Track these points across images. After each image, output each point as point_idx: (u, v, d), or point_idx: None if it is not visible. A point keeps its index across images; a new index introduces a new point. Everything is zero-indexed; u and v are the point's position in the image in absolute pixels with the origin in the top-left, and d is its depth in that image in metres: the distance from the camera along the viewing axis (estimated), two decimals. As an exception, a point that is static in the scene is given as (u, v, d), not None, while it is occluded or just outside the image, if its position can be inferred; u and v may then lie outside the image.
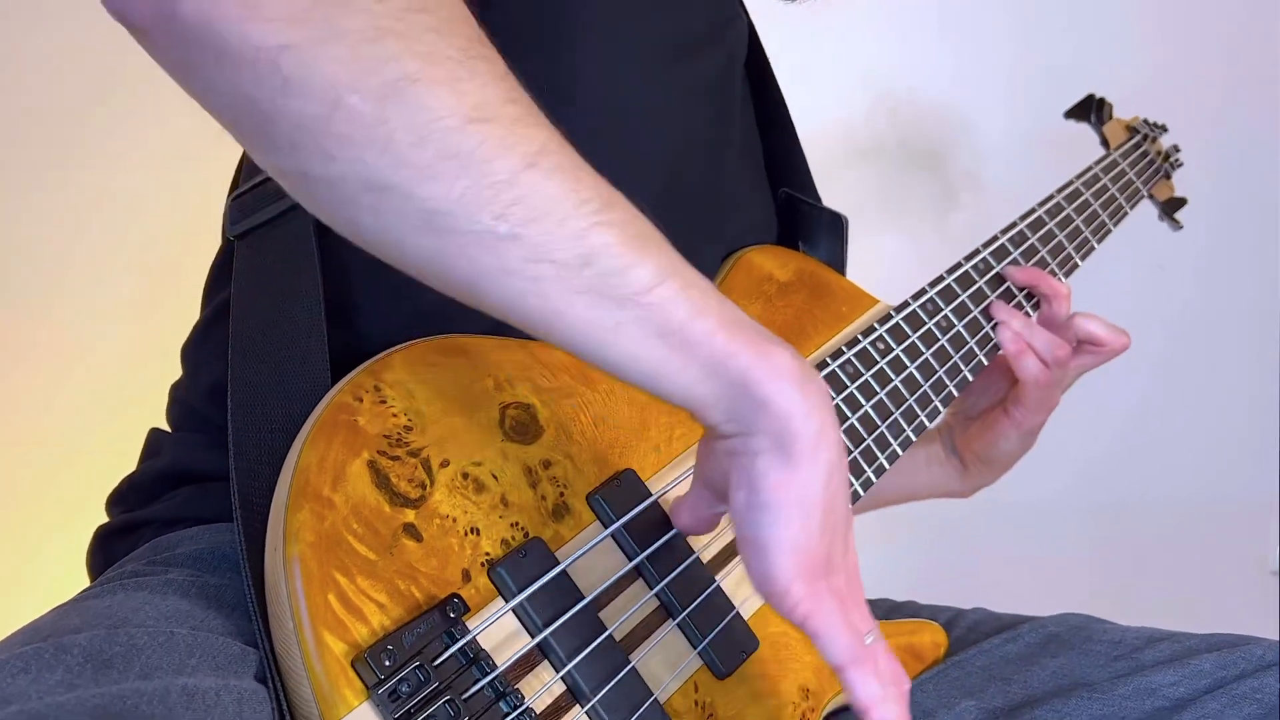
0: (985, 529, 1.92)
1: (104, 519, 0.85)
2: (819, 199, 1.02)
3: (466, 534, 0.67)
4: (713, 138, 0.91)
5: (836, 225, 0.99)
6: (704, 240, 0.91)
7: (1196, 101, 1.45)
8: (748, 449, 0.59)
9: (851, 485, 0.84)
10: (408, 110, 0.50)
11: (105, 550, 0.81)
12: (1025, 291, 1.03)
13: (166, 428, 0.86)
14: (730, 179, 0.95)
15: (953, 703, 0.84)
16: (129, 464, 0.86)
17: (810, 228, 1.01)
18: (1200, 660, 0.82)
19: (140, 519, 0.79)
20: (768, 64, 1.04)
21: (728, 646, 0.74)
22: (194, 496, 0.78)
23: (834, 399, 0.86)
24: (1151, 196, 1.35)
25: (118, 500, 0.84)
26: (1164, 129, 1.41)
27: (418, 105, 0.50)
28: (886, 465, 0.87)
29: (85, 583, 0.83)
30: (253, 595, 0.63)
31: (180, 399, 0.85)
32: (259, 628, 0.62)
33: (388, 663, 0.59)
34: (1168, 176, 1.37)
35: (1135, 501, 2.10)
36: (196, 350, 0.85)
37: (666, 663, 0.71)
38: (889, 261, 1.41)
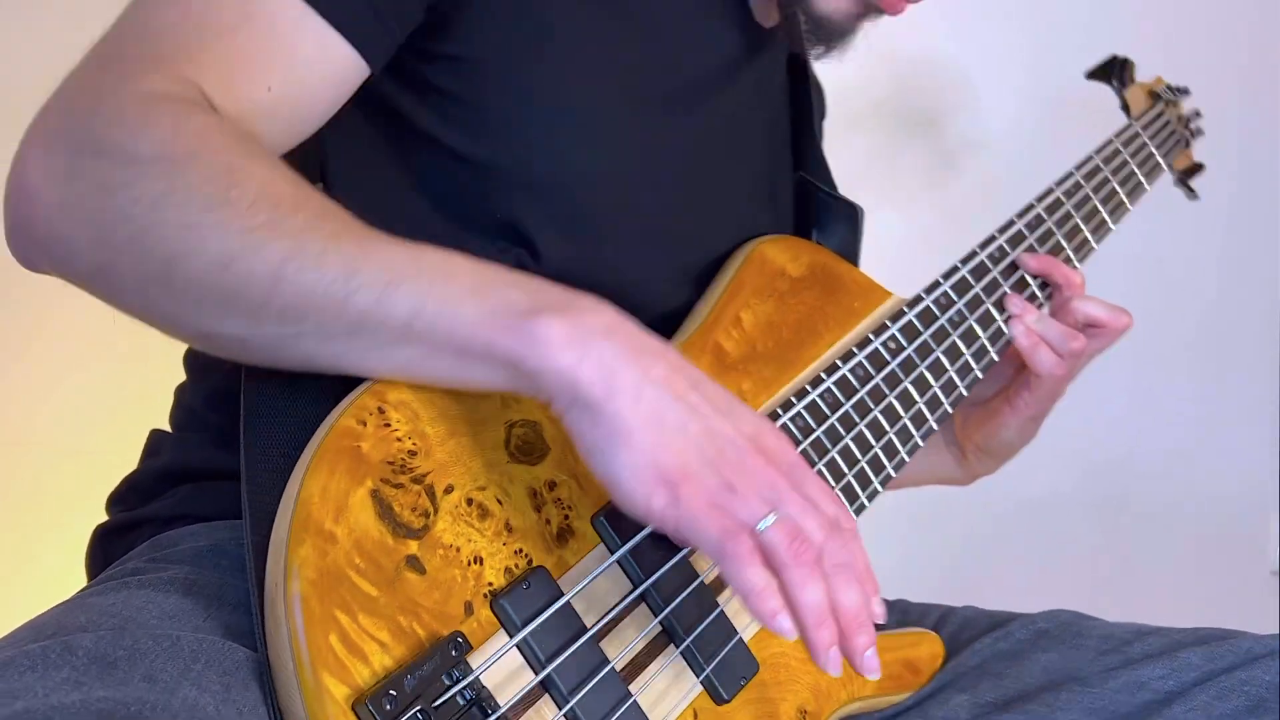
0: (984, 526, 1.92)
1: (102, 517, 0.84)
2: (834, 186, 1.00)
3: (470, 564, 0.66)
4: (723, 190, 0.92)
5: (851, 215, 0.97)
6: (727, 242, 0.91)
7: (1201, 84, 1.40)
8: (558, 412, 0.65)
9: (858, 496, 0.84)
10: (181, 281, 0.63)
11: (104, 549, 0.82)
12: (1039, 280, 1.01)
13: (167, 428, 0.86)
14: (746, 227, 0.94)
15: (946, 698, 0.85)
16: (127, 463, 0.85)
17: (824, 216, 0.98)
18: (1189, 654, 0.83)
19: (140, 517, 0.79)
20: (810, 70, 1.01)
21: (728, 672, 0.74)
22: (194, 494, 0.78)
23: (844, 404, 0.85)
24: (1170, 167, 1.32)
25: (117, 500, 0.84)
26: (1186, 92, 1.37)
27: (185, 277, 0.62)
28: (893, 473, 0.86)
29: (82, 581, 0.82)
30: (259, 615, 0.62)
31: (183, 402, 0.86)
32: (264, 657, 0.61)
33: (389, 707, 0.59)
34: (1187, 145, 1.34)
35: (1135, 501, 2.09)
36: (201, 357, 0.85)
37: (668, 691, 0.71)
38: (887, 233, 1.37)
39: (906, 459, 0.87)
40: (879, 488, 0.85)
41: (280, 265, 0.62)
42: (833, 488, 0.81)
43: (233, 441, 0.69)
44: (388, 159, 0.81)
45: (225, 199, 0.62)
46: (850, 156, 1.79)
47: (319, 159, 0.81)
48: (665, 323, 0.85)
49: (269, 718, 0.60)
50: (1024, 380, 0.98)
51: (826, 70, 1.81)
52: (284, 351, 0.65)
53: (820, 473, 0.82)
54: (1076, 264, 1.07)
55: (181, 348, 0.86)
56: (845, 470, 0.83)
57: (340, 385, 0.69)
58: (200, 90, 0.67)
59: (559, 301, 0.65)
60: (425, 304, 0.63)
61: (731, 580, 0.62)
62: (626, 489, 0.63)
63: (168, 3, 0.70)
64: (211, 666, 0.60)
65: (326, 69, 0.72)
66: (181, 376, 0.88)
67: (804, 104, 1.00)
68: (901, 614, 0.95)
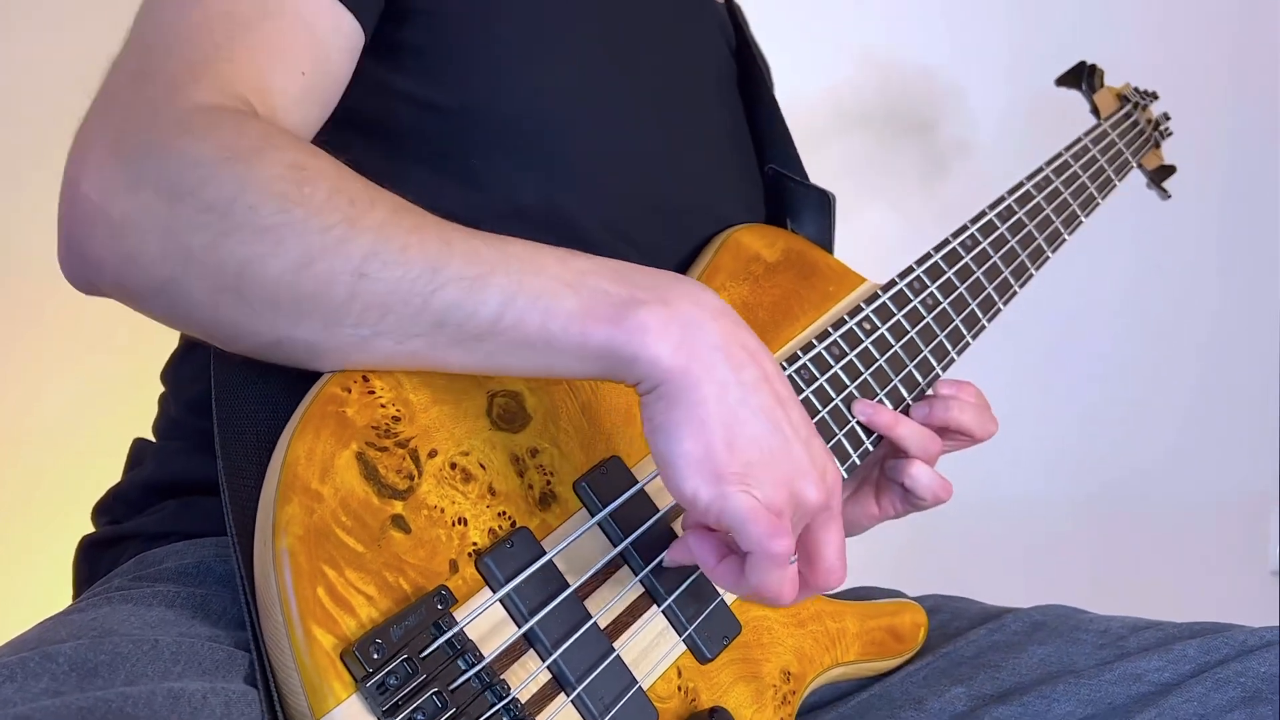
0: (983, 526, 1.93)
1: (88, 524, 0.85)
2: (805, 176, 1.02)
3: (454, 524, 0.67)
4: (692, 132, 0.93)
5: (824, 203, 0.99)
6: (695, 227, 0.92)
7: (1195, 83, 1.44)
8: (641, 394, 0.66)
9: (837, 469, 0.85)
10: (256, 287, 0.62)
11: (90, 561, 0.82)
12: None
13: (150, 437, 0.86)
14: (717, 167, 0.96)
15: (942, 690, 0.86)
16: (114, 467, 0.85)
17: (798, 206, 1.00)
18: (1184, 646, 0.84)
19: (125, 532, 0.79)
20: (751, 44, 1.04)
21: (711, 631, 0.75)
22: (179, 510, 0.78)
23: (819, 379, 0.87)
24: (1140, 166, 1.35)
25: (103, 510, 0.84)
26: (1155, 96, 1.40)
27: (261, 282, 0.62)
28: (871, 448, 0.88)
29: (68, 587, 0.83)
30: (245, 586, 0.63)
31: (165, 410, 0.86)
32: (251, 619, 0.63)
33: (375, 655, 0.60)
34: (1157, 145, 1.37)
35: (1135, 499, 2.10)
36: (177, 371, 0.85)
37: (651, 649, 0.73)
38: (878, 234, 1.40)
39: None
40: (857, 461, 0.87)
41: (363, 262, 0.62)
42: None
43: (213, 447, 0.69)
44: (359, 121, 0.82)
45: (300, 196, 0.62)
46: (844, 157, 1.83)
47: None
48: None
49: (258, 707, 0.61)
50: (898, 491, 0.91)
51: (823, 77, 1.85)
52: (357, 354, 0.65)
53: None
54: (1049, 252, 1.09)
55: (163, 357, 0.87)
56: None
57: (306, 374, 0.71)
58: (244, 98, 0.67)
59: (653, 286, 0.66)
60: (517, 297, 0.64)
61: (760, 575, 0.65)
62: (679, 473, 0.64)
63: (186, 4, 0.69)
64: (192, 666, 0.61)
65: (341, 42, 0.73)
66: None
67: (761, 94, 1.03)
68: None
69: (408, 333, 0.64)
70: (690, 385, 0.64)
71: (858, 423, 0.87)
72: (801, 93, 1.10)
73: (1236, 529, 2.10)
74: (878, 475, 0.93)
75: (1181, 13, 1.98)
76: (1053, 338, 1.88)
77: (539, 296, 0.64)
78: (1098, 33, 1.91)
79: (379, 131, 0.82)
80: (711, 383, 0.64)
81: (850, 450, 0.87)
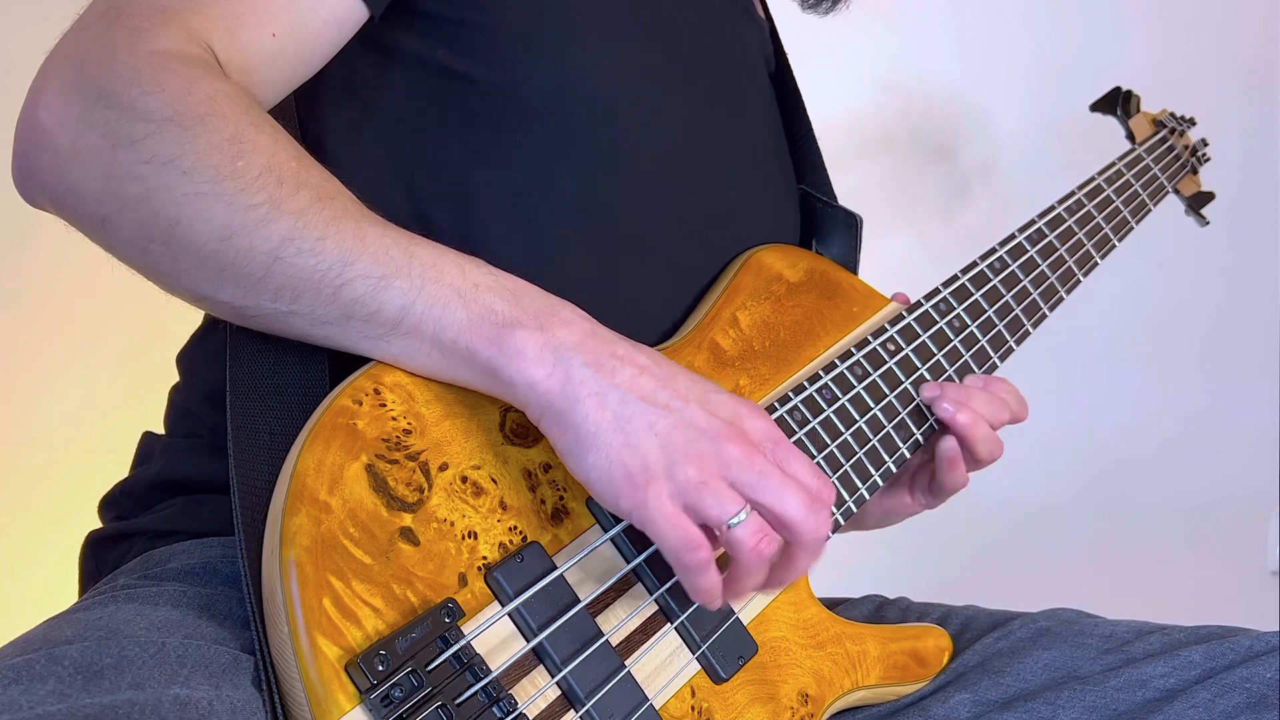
0: (983, 527, 1.91)
1: (91, 520, 0.85)
2: (834, 197, 1.01)
3: (464, 538, 0.67)
4: (735, 140, 0.93)
5: (850, 224, 0.98)
6: (727, 239, 0.92)
7: (1204, 95, 1.42)
8: (534, 420, 0.68)
9: (857, 489, 0.84)
10: (182, 247, 0.65)
11: (96, 556, 0.82)
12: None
13: (159, 430, 0.87)
14: (757, 180, 0.95)
15: (947, 696, 0.85)
16: (121, 463, 0.86)
17: (824, 226, 1.00)
18: (1190, 652, 0.83)
19: (131, 529, 0.80)
20: (788, 65, 1.03)
21: (726, 651, 0.74)
22: (186, 508, 0.78)
23: (841, 399, 0.86)
24: (1177, 192, 1.33)
25: (110, 505, 0.85)
26: (1192, 122, 1.38)
27: (187, 242, 0.65)
28: (894, 468, 0.87)
29: (74, 583, 0.83)
30: (251, 595, 0.63)
31: (177, 402, 0.86)
32: (256, 626, 0.62)
33: (380, 667, 0.60)
34: (1194, 171, 1.35)
35: (1134, 501, 2.09)
36: (194, 355, 0.86)
37: (664, 667, 0.72)
38: (899, 257, 1.39)
39: (907, 454, 0.88)
40: (879, 481, 0.86)
41: (279, 246, 0.64)
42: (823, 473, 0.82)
43: (225, 446, 0.70)
44: (390, 96, 0.82)
45: (233, 170, 0.64)
46: (866, 180, 1.83)
47: (300, 107, 0.83)
48: (666, 271, 0.87)
49: (263, 714, 0.60)
50: (939, 478, 0.92)
51: (846, 99, 1.85)
52: (278, 325, 0.68)
53: (818, 465, 0.82)
54: (1080, 276, 1.08)
55: (176, 347, 0.88)
56: (843, 462, 0.84)
57: (321, 375, 0.72)
58: (208, 47, 0.69)
59: (538, 312, 0.68)
60: (416, 301, 0.67)
61: (683, 582, 0.67)
62: (597, 490, 0.67)
63: None
64: (199, 670, 0.61)
65: (327, 12, 0.74)
66: (175, 377, 0.88)
67: (798, 113, 1.02)
68: (902, 612, 0.95)
69: (320, 318, 0.67)
70: (569, 406, 0.66)
71: (878, 440, 0.86)
72: (823, 115, 1.09)
73: (1236, 529, 2.08)
74: (916, 465, 0.93)
75: (1196, 28, 1.98)
76: (1052, 338, 1.87)
77: (433, 305, 0.67)
78: (1121, 54, 1.91)
79: (412, 104, 0.82)
80: (589, 396, 0.66)
81: (872, 470, 0.85)
